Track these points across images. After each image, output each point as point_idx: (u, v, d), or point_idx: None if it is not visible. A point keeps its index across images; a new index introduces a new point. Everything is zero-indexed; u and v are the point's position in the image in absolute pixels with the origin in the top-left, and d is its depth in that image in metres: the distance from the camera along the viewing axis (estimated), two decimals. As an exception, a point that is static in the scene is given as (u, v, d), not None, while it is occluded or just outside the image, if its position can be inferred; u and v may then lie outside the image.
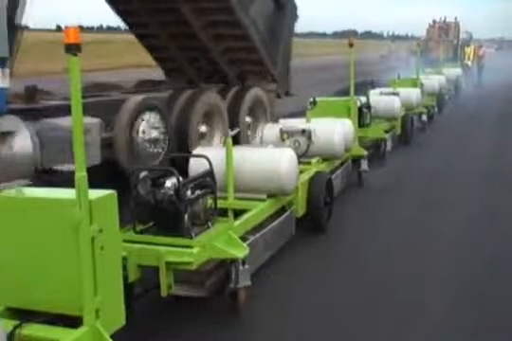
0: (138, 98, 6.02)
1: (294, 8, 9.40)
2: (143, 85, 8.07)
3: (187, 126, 6.84)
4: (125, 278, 3.66)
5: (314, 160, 6.17)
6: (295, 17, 9.46)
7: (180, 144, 6.72)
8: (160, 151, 6.17)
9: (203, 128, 7.28)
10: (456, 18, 32.34)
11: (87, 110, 5.68)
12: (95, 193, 2.80)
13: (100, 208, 2.77)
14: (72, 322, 2.80)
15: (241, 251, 4.00)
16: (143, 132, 5.94)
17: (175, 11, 7.39)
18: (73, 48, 2.60)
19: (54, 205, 2.85)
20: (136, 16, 8.12)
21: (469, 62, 28.83)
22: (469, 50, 30.30)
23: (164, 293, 3.71)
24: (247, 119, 8.35)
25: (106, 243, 2.81)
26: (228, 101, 7.96)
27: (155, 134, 6.10)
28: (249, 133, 8.63)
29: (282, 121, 6.88)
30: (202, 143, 7.16)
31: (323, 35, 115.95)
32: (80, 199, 2.68)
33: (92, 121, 5.48)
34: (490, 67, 28.42)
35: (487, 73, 26.53)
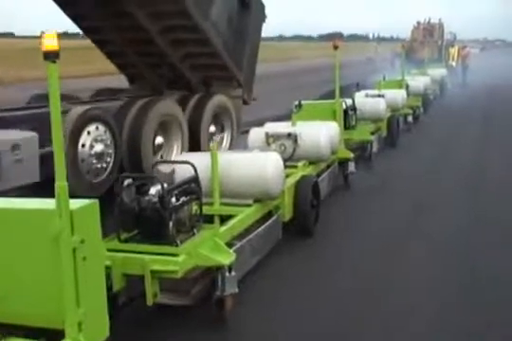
0: (81, 108, 5.49)
1: (261, 7, 8.83)
2: (101, 94, 7.48)
3: (139, 138, 6.19)
4: (110, 288, 3.61)
5: (300, 164, 6.14)
6: (262, 17, 8.91)
7: (132, 158, 6.16)
8: (106, 166, 5.62)
9: (159, 140, 6.62)
10: (440, 19, 32.63)
11: (25, 123, 5.15)
12: (76, 203, 2.74)
13: (81, 218, 2.71)
14: (54, 336, 2.74)
15: (227, 258, 3.95)
16: (87, 145, 5.41)
17: (129, 16, 6.91)
18: (51, 55, 2.55)
19: (34, 215, 2.78)
20: (88, 21, 7.56)
21: (454, 63, 29.04)
22: (454, 51, 30.51)
23: (150, 302, 3.65)
24: (212, 129, 7.77)
25: (89, 254, 2.75)
26: (190, 110, 7.40)
27: (100, 147, 5.53)
28: (214, 142, 8.09)
29: (267, 125, 6.85)
30: (158, 155, 6.57)
31: (309, 38, 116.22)
32: (60, 209, 2.62)
33: (25, 136, 4.92)
34: (475, 67, 28.67)
35: (472, 73, 26.74)
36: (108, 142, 5.69)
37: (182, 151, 6.78)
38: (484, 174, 8.57)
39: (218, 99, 7.85)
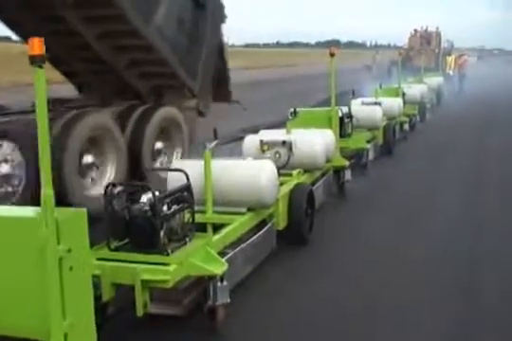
0: None
1: (218, 7, 8.01)
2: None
3: (61, 157, 5.37)
4: (99, 298, 3.55)
5: (295, 172, 6.08)
6: (221, 18, 8.10)
7: (54, 180, 5.70)
8: (14, 190, 4.96)
9: (88, 158, 5.85)
10: (438, 27, 32.71)
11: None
12: (63, 211, 2.69)
13: (68, 227, 2.65)
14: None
15: (219, 267, 3.88)
16: None
17: (63, 20, 6.28)
18: (38, 60, 2.50)
19: (18, 224, 2.72)
20: (23, 26, 6.91)
21: (451, 71, 29.11)
22: (451, 59, 30.58)
23: (140, 312, 3.59)
24: (158, 145, 7.07)
25: (76, 264, 2.69)
26: (132, 124, 6.68)
27: (5, 168, 4.93)
28: (162, 159, 7.32)
29: (262, 132, 6.79)
30: (88, 177, 5.95)
31: (307, 45, 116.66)
32: (46, 217, 2.56)
33: None
34: (472, 76, 28.74)
35: (469, 82, 26.80)
36: (17, 162, 4.98)
37: (118, 170, 6.08)
38: (480, 181, 8.58)
39: (166, 112, 7.09)
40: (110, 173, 6.09)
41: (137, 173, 6.51)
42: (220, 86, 8.51)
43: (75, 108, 6.22)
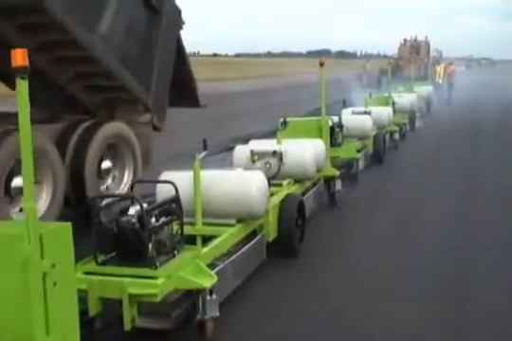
0: None
1: (175, 12, 7.31)
2: None
3: None
4: (86, 312, 3.49)
5: (285, 182, 6.04)
6: (178, 24, 7.40)
7: None
8: None
9: (17, 181, 5.19)
10: (426, 37, 33.00)
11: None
12: (47, 225, 2.64)
13: (52, 242, 2.59)
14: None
15: (208, 280, 3.83)
16: None
17: None
18: (21, 71, 2.46)
19: (1, 238, 2.66)
20: None
21: (440, 80, 29.31)
22: (440, 68, 30.81)
23: (127, 326, 3.52)
24: (106, 164, 6.46)
25: (60, 279, 2.63)
26: (74, 141, 6.06)
27: None
28: (110, 181, 6.66)
29: (252, 142, 6.76)
30: (17, 208, 5.32)
31: (298, 55, 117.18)
32: (29, 232, 2.50)
33: None
34: (460, 84, 28.99)
35: (458, 90, 27.02)
36: None
37: (56, 193, 5.56)
38: (472, 189, 8.62)
39: (113, 127, 6.45)
40: (44, 199, 5.53)
41: (80, 195, 5.96)
42: (186, 92, 8.11)
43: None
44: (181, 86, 7.64)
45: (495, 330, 4.11)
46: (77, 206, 5.98)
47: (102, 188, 6.45)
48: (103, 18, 5.95)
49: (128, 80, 6.41)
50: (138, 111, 7.02)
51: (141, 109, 6.97)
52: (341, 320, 4.28)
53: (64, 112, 6.57)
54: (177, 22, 7.39)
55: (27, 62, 2.44)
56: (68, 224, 2.74)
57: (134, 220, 3.68)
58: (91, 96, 6.67)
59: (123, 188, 6.61)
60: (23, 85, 2.47)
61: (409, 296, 4.69)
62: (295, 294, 4.75)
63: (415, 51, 32.13)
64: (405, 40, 32.95)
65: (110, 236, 3.69)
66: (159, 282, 3.57)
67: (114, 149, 6.60)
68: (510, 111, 21.76)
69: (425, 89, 19.49)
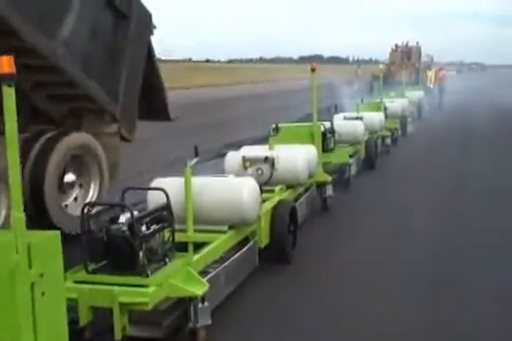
0: None
1: (144, 16, 6.88)
2: None
3: None
4: (76, 322, 3.46)
5: (277, 188, 6.03)
6: (147, 29, 6.98)
7: None
8: None
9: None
10: (418, 42, 33.14)
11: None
12: (36, 235, 2.60)
13: (40, 251, 2.56)
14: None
15: (200, 288, 3.80)
16: None
17: None
18: (8, 78, 2.43)
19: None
20: None
21: (431, 85, 29.45)
22: (431, 74, 30.95)
23: (118, 336, 3.48)
24: (70, 177, 6.09)
25: (48, 289, 2.60)
26: (34, 154, 5.75)
27: None
28: (74, 195, 6.30)
29: (244, 148, 6.74)
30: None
31: (290, 60, 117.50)
32: (17, 241, 2.47)
33: None
34: (451, 89, 29.20)
35: (449, 95, 27.22)
36: None
37: (9, 211, 5.07)
38: (464, 193, 8.68)
39: (76, 138, 6.09)
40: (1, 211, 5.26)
41: (39, 209, 5.69)
42: (155, 103, 7.55)
43: None
44: (150, 96, 7.26)
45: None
46: (37, 219, 5.66)
47: (66, 202, 6.12)
48: (64, 24, 5.58)
49: (93, 88, 6.08)
50: (106, 121, 6.70)
51: (109, 119, 6.65)
52: (335, 326, 4.26)
53: (29, 123, 6.18)
54: (147, 26, 6.99)
55: (13, 69, 2.42)
56: (57, 233, 2.71)
57: (124, 228, 3.65)
58: (56, 105, 6.28)
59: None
60: (9, 93, 2.44)
61: (402, 300, 4.68)
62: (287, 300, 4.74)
63: (407, 57, 32.25)
64: (396, 45, 33.06)
65: (100, 244, 3.66)
66: (150, 291, 3.54)
67: (78, 161, 6.25)
68: (500, 114, 22.01)
69: (416, 94, 19.59)
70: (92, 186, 6.40)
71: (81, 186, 6.36)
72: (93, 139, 6.35)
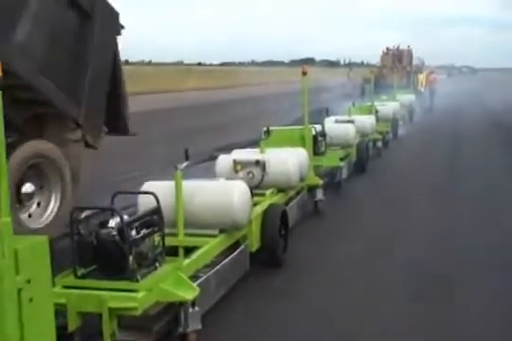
0: None
1: (109, 15, 6.51)
2: None
3: None
4: (65, 327, 3.43)
5: (268, 192, 6.02)
6: (113, 29, 6.62)
7: None
8: None
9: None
10: (409, 46, 33.27)
11: None
12: (22, 240, 2.57)
13: (27, 257, 2.53)
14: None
15: (190, 293, 3.78)
16: None
17: None
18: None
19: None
20: None
21: (422, 88, 29.58)
22: (422, 77, 31.09)
23: (107, 341, 3.45)
24: (27, 187, 5.61)
25: (36, 295, 2.57)
26: None
27: None
28: (34, 207, 5.80)
29: (235, 152, 6.73)
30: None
31: (281, 63, 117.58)
32: (3, 247, 2.44)
33: None
34: (442, 92, 29.41)
35: (439, 98, 27.40)
36: None
37: None
38: (452, 192, 8.81)
39: (36, 146, 5.67)
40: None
41: None
42: (114, 115, 6.91)
43: None
44: (109, 105, 6.69)
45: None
46: None
47: (24, 214, 5.66)
48: (19, 26, 5.24)
49: (53, 93, 5.71)
50: (70, 128, 6.30)
51: (73, 125, 6.27)
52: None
53: None
54: (113, 26, 6.60)
55: (1, 75, 2.39)
56: (45, 238, 2.68)
57: (114, 232, 3.62)
58: (17, 111, 5.79)
59: (49, 215, 5.83)
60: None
61: (395, 304, 4.68)
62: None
63: (398, 60, 32.35)
64: (388, 49, 33.17)
65: (90, 249, 3.63)
66: (140, 296, 3.51)
67: (38, 171, 5.79)
68: (489, 116, 22.22)
69: (407, 97, 19.68)
70: (53, 197, 5.94)
71: (40, 198, 5.89)
72: (54, 147, 5.92)
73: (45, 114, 6.07)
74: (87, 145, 6.51)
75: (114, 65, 6.77)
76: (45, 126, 6.10)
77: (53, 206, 5.92)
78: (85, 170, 6.79)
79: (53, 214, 5.86)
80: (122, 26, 6.78)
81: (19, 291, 2.48)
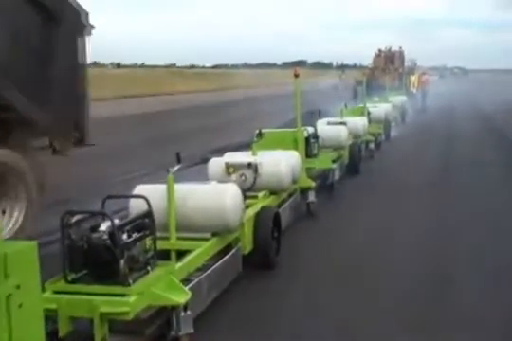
0: None
1: (74, 15, 6.20)
2: None
3: None
4: (55, 333, 3.40)
5: (261, 194, 6.01)
6: (78, 29, 6.25)
7: None
8: None
9: None
10: (400, 47, 33.36)
11: None
12: (11, 245, 2.54)
13: (17, 262, 2.50)
14: None
15: (182, 296, 3.76)
16: None
17: None
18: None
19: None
20: None
21: (414, 90, 29.68)
22: (414, 78, 31.19)
23: (99, 346, 3.43)
24: None
25: (25, 301, 2.53)
26: None
27: None
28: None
29: (227, 154, 6.72)
30: None
31: (274, 65, 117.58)
32: (-8, 252, 2.41)
33: None
34: (434, 93, 29.57)
35: (431, 99, 27.53)
36: None
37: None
38: (444, 192, 8.91)
39: None
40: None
41: None
42: (74, 121, 6.43)
43: None
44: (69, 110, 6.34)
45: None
46: None
47: None
48: None
49: (15, 98, 5.45)
50: (36, 134, 6.01)
51: (37, 131, 5.97)
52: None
53: None
54: (78, 27, 6.24)
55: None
56: (34, 243, 2.65)
57: (105, 236, 3.60)
58: None
59: (13, 227, 5.59)
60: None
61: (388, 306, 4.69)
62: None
63: (390, 61, 32.43)
64: (380, 50, 33.25)
65: (80, 253, 3.61)
66: (131, 300, 3.49)
67: (1, 179, 5.58)
68: (481, 115, 22.32)
69: (399, 99, 19.76)
70: (17, 208, 5.70)
71: (5, 205, 5.67)
72: (16, 155, 5.60)
73: (7, 119, 5.71)
74: (55, 152, 6.18)
75: (78, 67, 6.39)
76: (9, 132, 5.76)
77: (17, 216, 5.70)
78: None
79: (19, 223, 5.66)
80: (92, 26, 6.48)
81: (8, 296, 2.45)
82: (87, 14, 6.40)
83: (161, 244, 4.14)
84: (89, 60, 6.86)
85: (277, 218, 5.68)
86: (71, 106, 6.20)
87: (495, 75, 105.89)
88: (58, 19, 5.88)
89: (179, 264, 4.20)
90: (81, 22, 6.25)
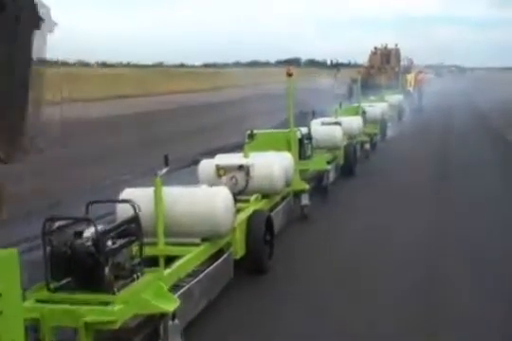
0: None
1: (27, 8, 5.42)
2: None
3: None
4: (39, 342, 3.30)
5: (253, 197, 5.90)
6: (31, 23, 5.49)
7: None
8: None
9: None
10: (396, 44, 33.21)
11: None
12: (-9, 253, 2.44)
13: (-4, 270, 2.41)
14: None
15: (171, 304, 3.66)
16: None
17: None
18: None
19: None
20: None
21: (411, 89, 29.57)
22: (410, 77, 31.07)
23: (84, 357, 3.33)
24: None
25: (6, 309, 2.43)
26: None
27: None
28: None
29: (218, 156, 6.61)
30: None
31: (267, 64, 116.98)
32: (-31, 261, 2.31)
33: None
34: (430, 91, 29.58)
35: (428, 97, 27.53)
36: None
37: None
38: (440, 193, 8.94)
39: None
40: None
41: None
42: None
43: None
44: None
45: None
46: None
47: None
48: None
49: None
50: None
51: None
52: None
53: None
54: (31, 20, 5.38)
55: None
56: (15, 251, 2.55)
57: (89, 243, 3.50)
58: None
59: None
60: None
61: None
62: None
63: (386, 60, 32.27)
64: (376, 48, 33.07)
65: (63, 260, 3.50)
66: (117, 309, 3.39)
67: None
68: (476, 113, 22.32)
69: (396, 98, 19.65)
70: None
71: None
72: None
73: None
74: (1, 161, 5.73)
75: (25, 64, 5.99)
76: None
77: None
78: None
79: None
80: (55, 23, 6.08)
81: (-13, 306, 2.35)
82: (49, 9, 5.94)
83: (149, 250, 4.04)
84: (57, 57, 6.39)
85: (269, 222, 5.59)
86: (21, 109, 5.66)
87: (491, 73, 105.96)
88: (9, 12, 5.31)
89: (168, 271, 4.10)
90: (36, 14, 5.83)
